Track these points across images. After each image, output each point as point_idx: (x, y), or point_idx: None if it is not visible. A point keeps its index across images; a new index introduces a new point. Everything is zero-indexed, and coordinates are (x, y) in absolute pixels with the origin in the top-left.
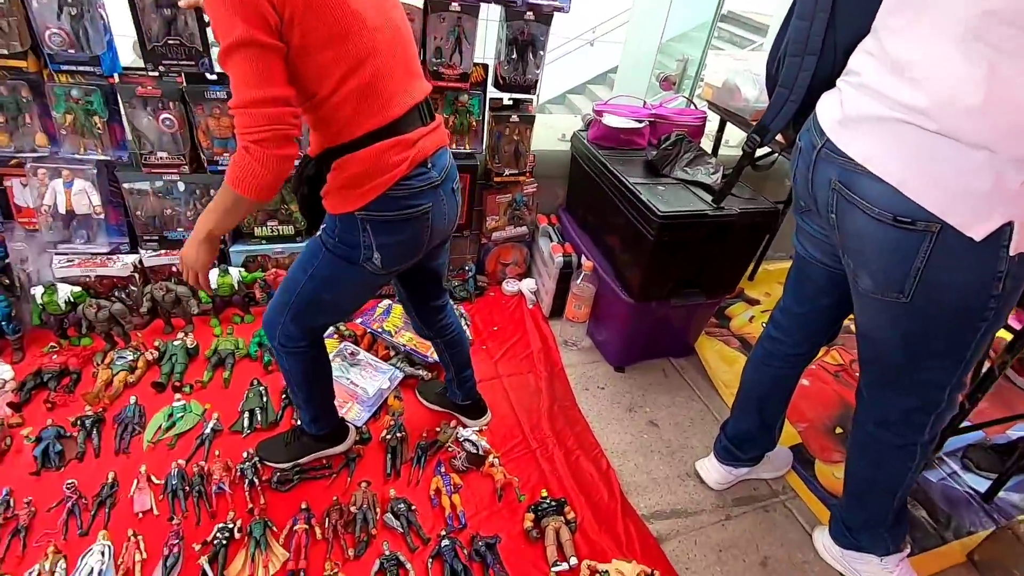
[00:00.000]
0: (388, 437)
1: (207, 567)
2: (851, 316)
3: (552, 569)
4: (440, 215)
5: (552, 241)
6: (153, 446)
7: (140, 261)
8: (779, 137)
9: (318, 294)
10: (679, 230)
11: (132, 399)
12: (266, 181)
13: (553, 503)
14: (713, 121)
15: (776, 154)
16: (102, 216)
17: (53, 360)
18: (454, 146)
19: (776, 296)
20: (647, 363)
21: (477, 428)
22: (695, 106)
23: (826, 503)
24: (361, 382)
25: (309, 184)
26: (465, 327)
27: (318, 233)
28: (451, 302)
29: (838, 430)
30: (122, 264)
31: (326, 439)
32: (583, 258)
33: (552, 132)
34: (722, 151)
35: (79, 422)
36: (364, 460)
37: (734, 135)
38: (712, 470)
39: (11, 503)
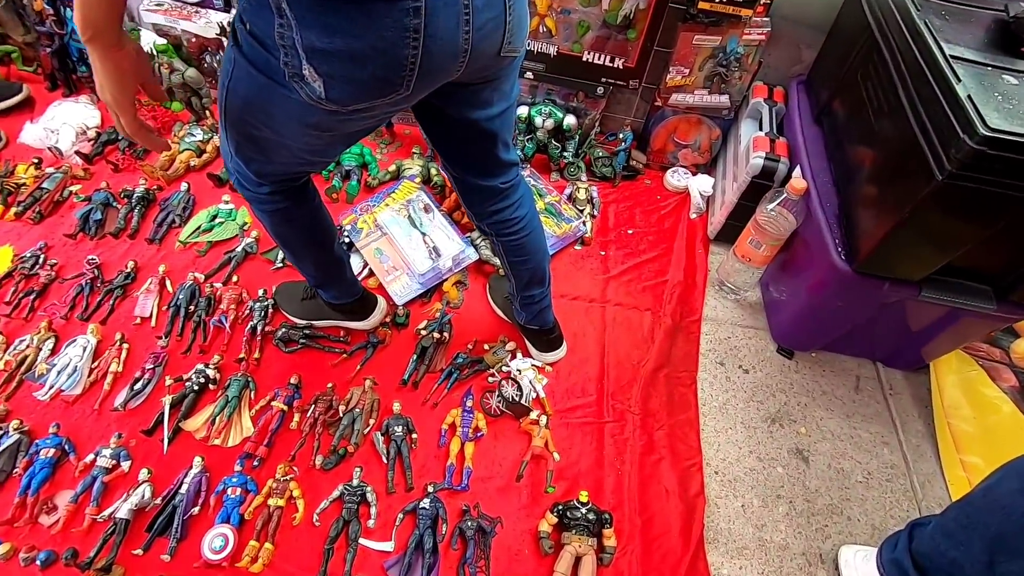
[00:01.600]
0: (424, 333)
1: (167, 410)
2: None
3: None
4: (453, 20)
5: (761, 130)
6: (184, 247)
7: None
8: None
9: (245, 124)
10: (1013, 172)
11: (184, 186)
12: None
13: (592, 515)
14: None
15: None
16: None
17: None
18: None
19: None
20: (835, 358)
21: (540, 364)
22: None
23: None
24: (419, 249)
25: None
26: (587, 219)
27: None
28: (524, 184)
29: None
30: (207, 22)
31: (342, 309)
32: (796, 171)
33: None
34: None
35: (128, 194)
36: (387, 349)
37: None
38: (863, 571)
39: (40, 260)
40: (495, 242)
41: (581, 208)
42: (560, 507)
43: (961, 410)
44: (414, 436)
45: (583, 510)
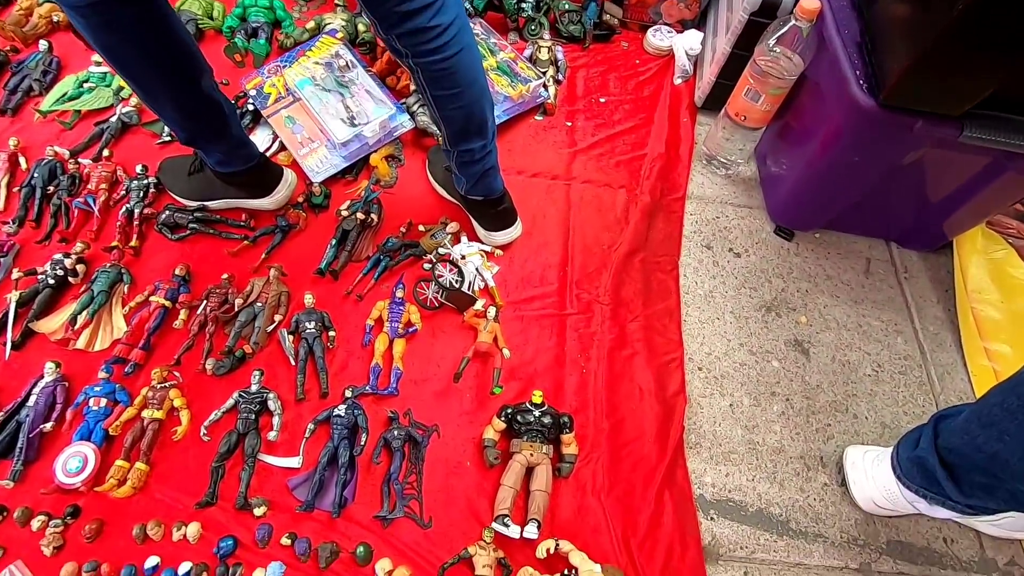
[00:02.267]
0: (346, 214)
1: (12, 309)
2: None
3: (493, 523)
4: None
5: None
6: (45, 118)
7: None
8: None
9: None
10: None
11: (45, 45)
12: None
13: (548, 419)
14: None
15: None
16: None
17: None
18: None
19: None
20: (842, 239)
21: (489, 248)
22: None
23: None
24: (339, 116)
25: None
26: (549, 82)
27: None
28: None
29: None
30: None
31: (236, 182)
32: None
33: None
34: None
35: None
36: (301, 236)
37: None
38: (872, 478)
39: None
40: (413, 69)
41: (543, 69)
42: (509, 410)
43: (987, 294)
44: (331, 334)
45: (536, 413)
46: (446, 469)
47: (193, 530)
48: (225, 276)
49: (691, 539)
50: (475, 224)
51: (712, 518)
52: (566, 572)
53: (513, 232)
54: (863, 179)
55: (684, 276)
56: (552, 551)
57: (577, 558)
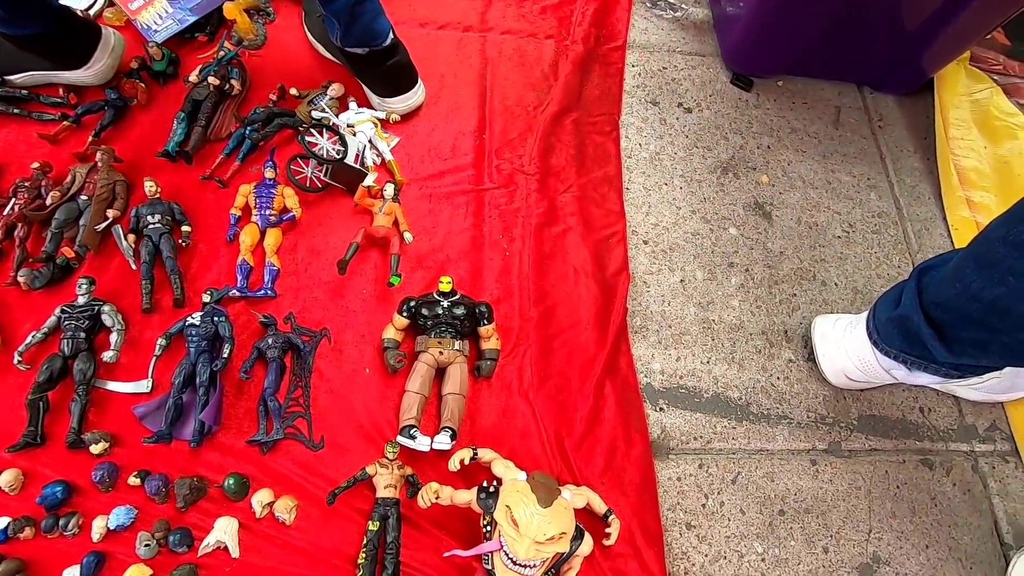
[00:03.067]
0: (197, 81)
1: None
2: None
3: (398, 436)
4: None
5: None
6: None
7: None
8: None
9: None
10: None
11: None
12: None
13: (460, 310)
14: None
15: None
16: None
17: None
18: None
19: None
20: (808, 86)
21: (383, 115)
22: None
23: None
24: None
25: None
26: None
27: None
28: None
29: None
30: None
31: (37, 48)
32: None
33: None
34: None
35: None
36: (145, 113)
37: None
38: (844, 348)
39: None
40: None
41: None
42: (412, 303)
43: (969, 140)
44: (185, 229)
45: (445, 303)
46: (340, 379)
47: (8, 478)
48: (36, 165)
49: (637, 434)
50: (366, 91)
51: (661, 409)
52: (484, 484)
53: (414, 97)
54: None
55: (626, 138)
56: (467, 462)
57: (500, 467)
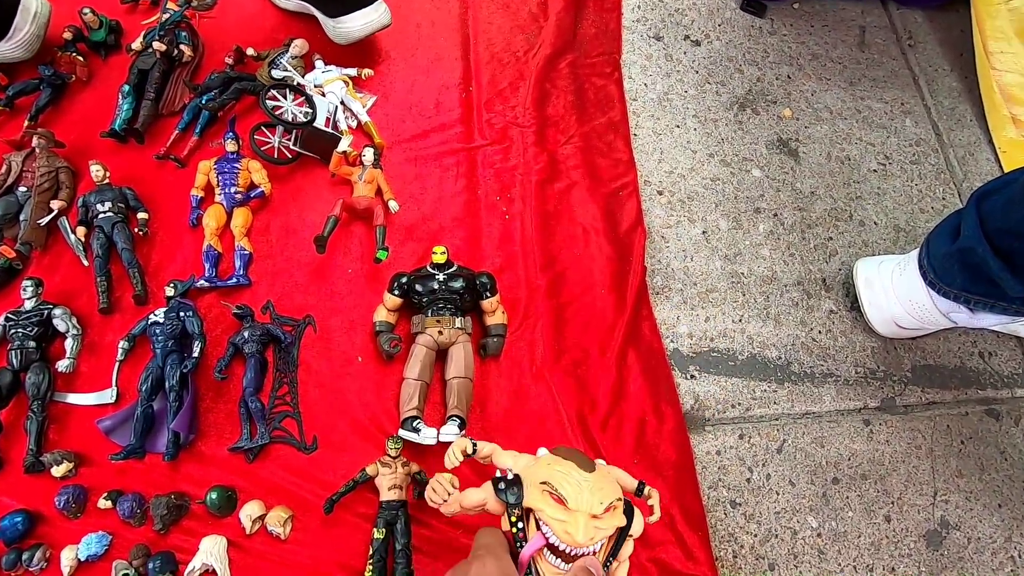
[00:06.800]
0: (143, 49)
1: None
2: None
3: (400, 430)
4: None
5: None
6: None
7: None
8: None
9: None
10: None
11: None
12: None
13: (460, 283)
14: None
15: None
16: None
17: None
18: None
19: None
20: (828, 6)
21: (355, 72)
22: None
23: None
24: None
25: None
26: None
27: None
28: None
29: None
30: None
31: None
32: None
33: None
34: None
35: None
36: (88, 90)
37: None
38: (893, 293)
39: None
40: None
41: None
42: (404, 279)
43: (1010, 53)
44: (141, 216)
45: (440, 276)
46: (330, 371)
47: None
48: None
49: (668, 406)
50: (319, 16)
51: (692, 376)
52: (498, 475)
53: (375, 15)
54: None
55: (629, 78)
56: (470, 452)
57: (507, 458)
